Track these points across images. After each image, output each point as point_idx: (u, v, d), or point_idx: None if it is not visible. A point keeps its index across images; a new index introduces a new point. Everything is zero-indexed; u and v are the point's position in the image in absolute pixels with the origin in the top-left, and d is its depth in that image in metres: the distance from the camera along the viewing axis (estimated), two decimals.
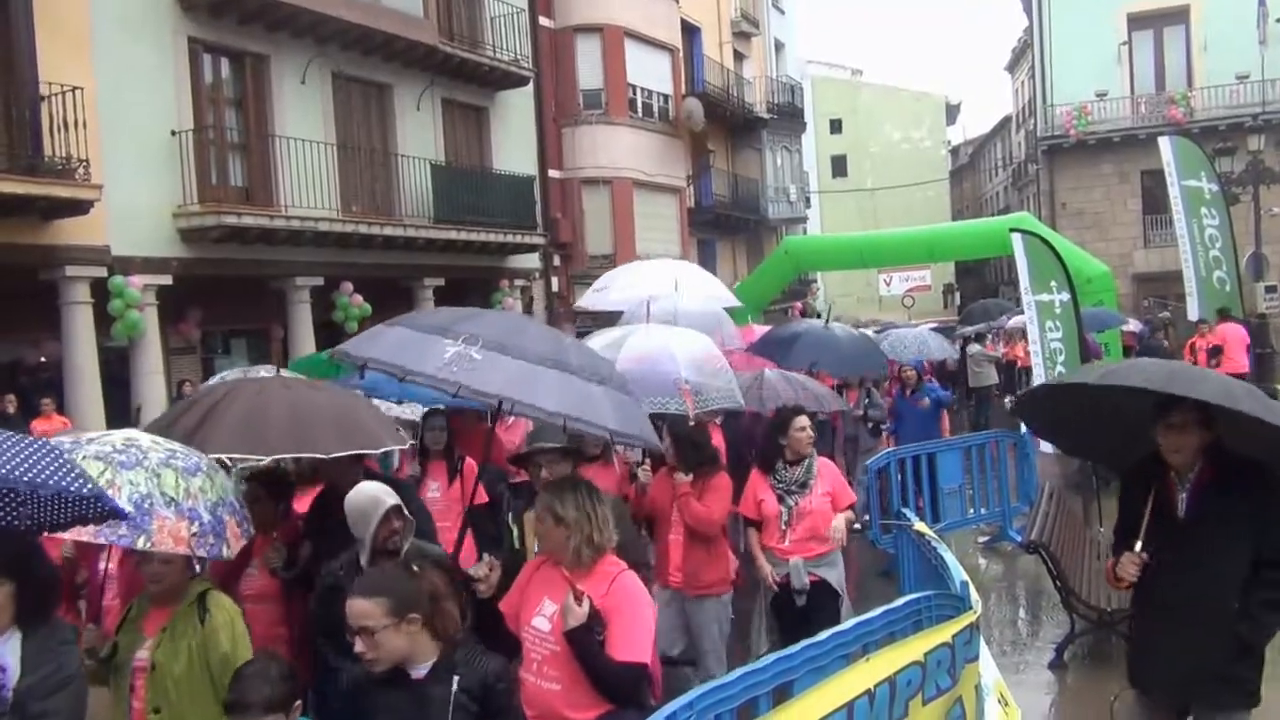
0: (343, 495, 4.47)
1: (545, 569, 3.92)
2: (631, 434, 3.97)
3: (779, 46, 36.93)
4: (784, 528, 5.87)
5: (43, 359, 14.01)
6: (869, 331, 15.39)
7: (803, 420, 6.06)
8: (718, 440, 7.99)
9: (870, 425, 11.49)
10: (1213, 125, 28.38)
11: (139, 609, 3.97)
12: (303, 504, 5.49)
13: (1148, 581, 3.99)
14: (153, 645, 3.77)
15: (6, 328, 12.93)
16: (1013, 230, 11.85)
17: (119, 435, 3.92)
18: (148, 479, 3.67)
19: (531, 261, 21.51)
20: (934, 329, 17.96)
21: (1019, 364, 18.29)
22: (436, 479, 6.53)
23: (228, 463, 5.07)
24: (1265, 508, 3.82)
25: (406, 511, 4.37)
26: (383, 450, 5.36)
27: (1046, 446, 10.12)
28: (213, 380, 7.98)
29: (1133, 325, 21.17)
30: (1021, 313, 20.49)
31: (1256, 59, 29.05)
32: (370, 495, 4.32)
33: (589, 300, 11.12)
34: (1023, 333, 18.83)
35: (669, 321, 8.70)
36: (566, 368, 3.70)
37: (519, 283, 20.94)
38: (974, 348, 18.49)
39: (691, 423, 6.37)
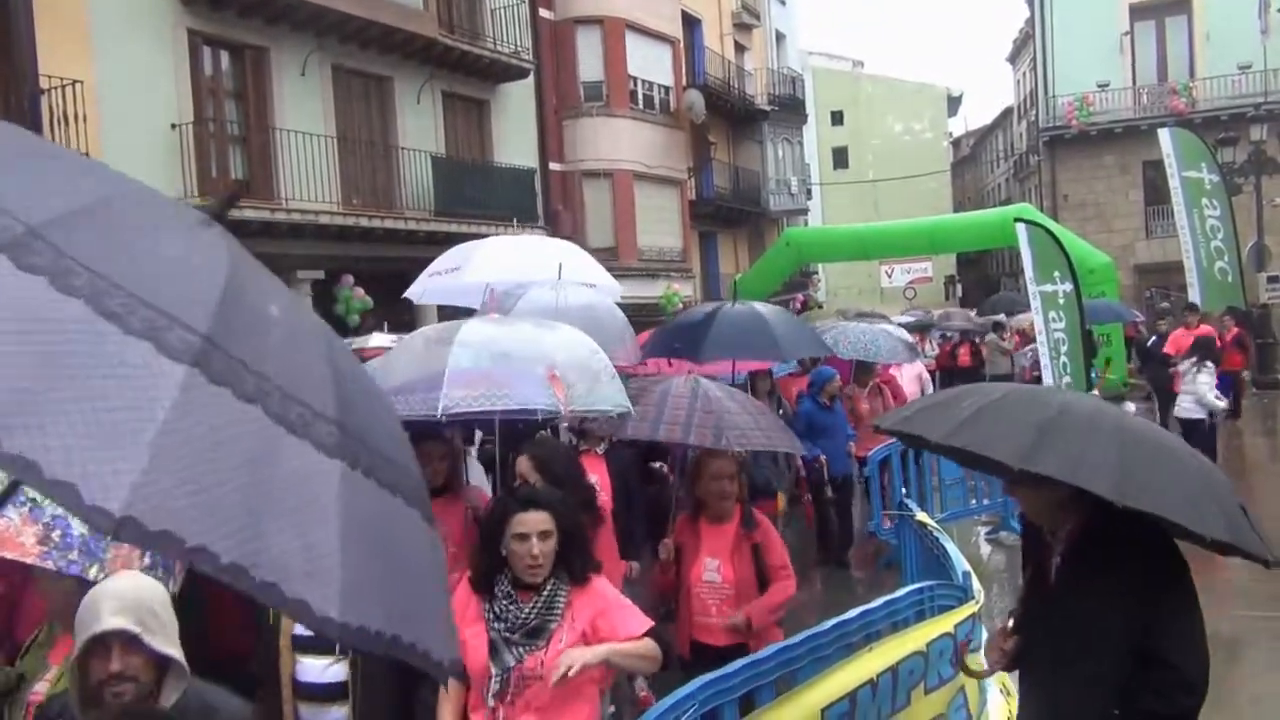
0: None
1: None
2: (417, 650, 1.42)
3: (780, 38, 36.85)
4: (491, 700, 3.26)
5: None
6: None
7: (531, 520, 3.31)
8: (601, 475, 5.95)
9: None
10: (1215, 115, 28.36)
11: (47, 633, 3.26)
12: None
13: (1023, 672, 3.11)
14: (54, 677, 3.08)
15: None
16: (1018, 220, 11.85)
17: None
18: None
19: None
20: (909, 323, 17.65)
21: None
22: None
23: None
24: (1150, 585, 2.79)
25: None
26: None
27: None
28: None
29: (1141, 317, 21.32)
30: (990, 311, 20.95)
31: (1258, 49, 28.98)
32: (92, 601, 2.56)
33: (420, 289, 7.88)
34: (987, 330, 19.29)
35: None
36: (347, 449, 1.39)
37: None
38: (990, 337, 18.85)
39: (565, 424, 4.26)
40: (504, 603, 3.35)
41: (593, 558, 3.54)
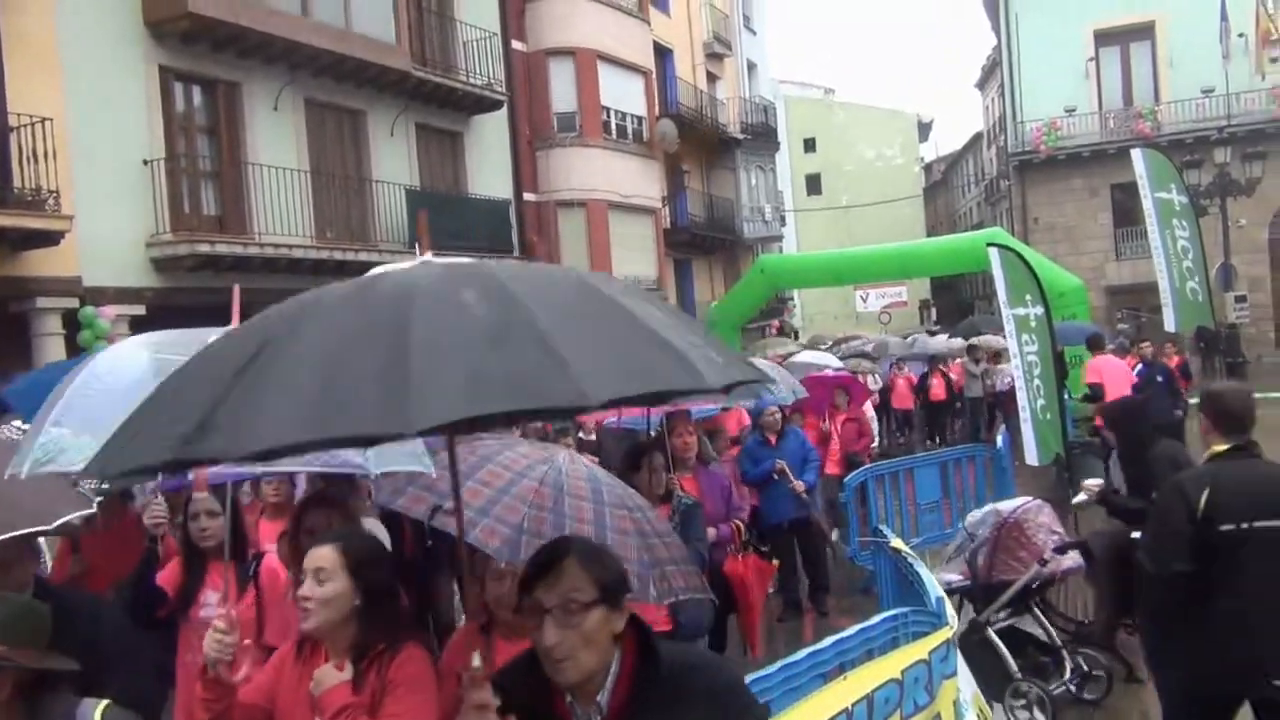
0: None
1: None
2: None
3: (751, 67, 37.20)
4: None
5: None
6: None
7: None
8: None
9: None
10: (1180, 139, 28.80)
11: None
12: None
13: None
14: None
15: None
16: (990, 245, 11.96)
17: None
18: None
19: None
20: (846, 356, 17.65)
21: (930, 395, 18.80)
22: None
23: None
24: None
25: None
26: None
27: (1031, 458, 10.22)
28: None
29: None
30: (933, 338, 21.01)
31: (1221, 73, 29.51)
32: None
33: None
34: (944, 359, 19.44)
35: None
36: None
37: None
38: (964, 360, 19.12)
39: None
40: None
41: None
